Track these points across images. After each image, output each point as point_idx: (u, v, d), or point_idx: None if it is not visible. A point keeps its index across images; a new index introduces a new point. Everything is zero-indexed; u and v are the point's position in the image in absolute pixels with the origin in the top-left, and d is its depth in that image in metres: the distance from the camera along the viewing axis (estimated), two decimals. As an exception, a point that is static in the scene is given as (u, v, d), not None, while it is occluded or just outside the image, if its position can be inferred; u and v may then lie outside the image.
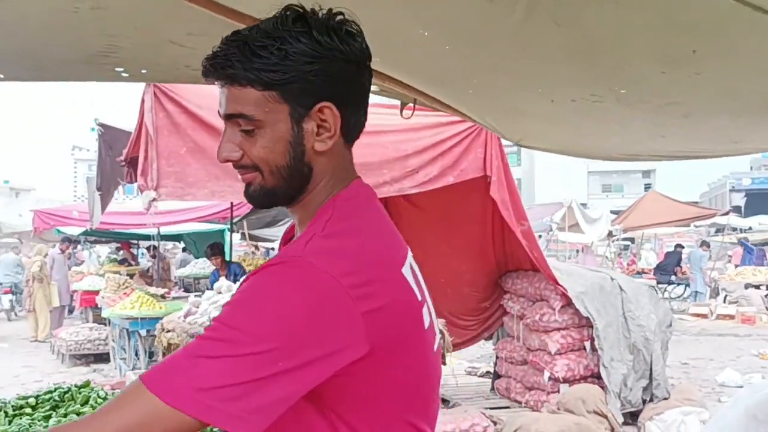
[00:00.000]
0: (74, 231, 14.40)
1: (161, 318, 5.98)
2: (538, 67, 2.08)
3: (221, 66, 1.12)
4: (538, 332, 6.40)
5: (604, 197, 45.85)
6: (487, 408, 6.38)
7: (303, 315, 1.05)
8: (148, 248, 14.40)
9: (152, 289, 10.03)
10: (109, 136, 6.58)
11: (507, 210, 6.06)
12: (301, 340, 1.04)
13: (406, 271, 1.19)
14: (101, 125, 6.64)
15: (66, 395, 2.63)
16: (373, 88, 2.97)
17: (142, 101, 4.95)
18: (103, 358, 10.39)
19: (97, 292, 11.33)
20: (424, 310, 1.21)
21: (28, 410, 2.51)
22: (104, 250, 20.07)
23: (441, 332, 3.79)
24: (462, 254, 6.88)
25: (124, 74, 2.72)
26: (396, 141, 5.55)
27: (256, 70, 1.10)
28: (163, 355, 4.67)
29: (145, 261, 15.35)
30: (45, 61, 2.65)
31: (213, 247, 8.84)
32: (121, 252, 14.93)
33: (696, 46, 1.68)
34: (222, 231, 13.15)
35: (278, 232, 13.34)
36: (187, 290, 11.43)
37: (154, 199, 4.93)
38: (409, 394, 1.18)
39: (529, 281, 6.62)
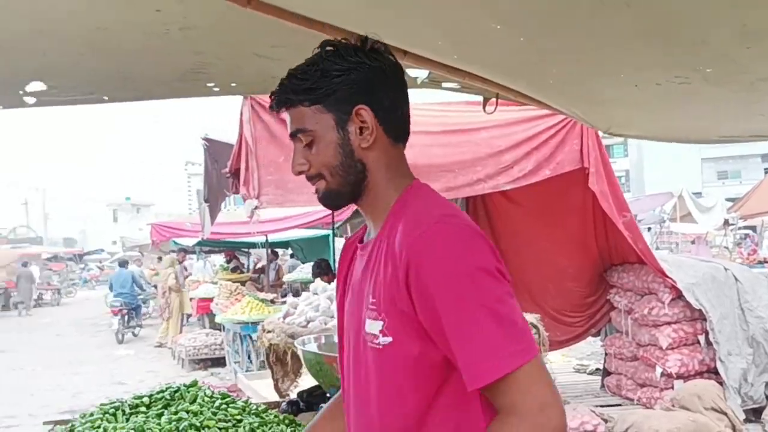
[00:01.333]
0: (189, 242, 15.11)
1: (271, 321, 6.17)
2: (616, 51, 2.03)
3: (278, 95, 1.43)
4: (648, 327, 6.18)
5: (720, 185, 43.45)
6: (597, 406, 6.22)
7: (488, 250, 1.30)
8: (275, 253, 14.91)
9: (262, 295, 10.40)
10: (213, 150, 6.86)
11: (607, 202, 5.88)
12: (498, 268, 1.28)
13: None
14: (206, 139, 6.93)
15: (176, 394, 2.81)
16: (453, 85, 2.98)
17: (241, 114, 5.15)
18: (219, 362, 10.87)
19: (211, 300, 11.85)
20: None
21: (143, 409, 2.70)
22: (219, 259, 20.87)
23: (535, 327, 3.74)
24: (564, 249, 6.73)
25: (216, 89, 2.87)
26: (489, 137, 5.49)
27: (302, 91, 1.39)
28: (266, 356, 4.83)
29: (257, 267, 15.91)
30: (142, 82, 2.82)
31: (319, 265, 8.49)
32: (233, 261, 15.52)
33: (778, 17, 1.60)
34: (327, 236, 13.41)
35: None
36: (296, 294, 11.70)
37: (256, 207, 5.12)
38: None
39: (635, 274, 6.42)
